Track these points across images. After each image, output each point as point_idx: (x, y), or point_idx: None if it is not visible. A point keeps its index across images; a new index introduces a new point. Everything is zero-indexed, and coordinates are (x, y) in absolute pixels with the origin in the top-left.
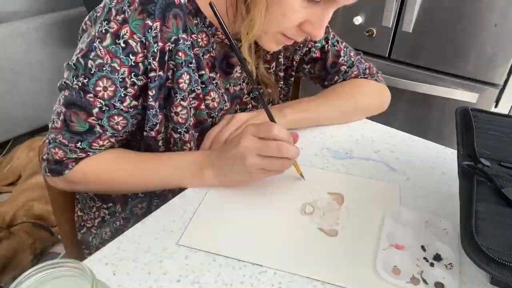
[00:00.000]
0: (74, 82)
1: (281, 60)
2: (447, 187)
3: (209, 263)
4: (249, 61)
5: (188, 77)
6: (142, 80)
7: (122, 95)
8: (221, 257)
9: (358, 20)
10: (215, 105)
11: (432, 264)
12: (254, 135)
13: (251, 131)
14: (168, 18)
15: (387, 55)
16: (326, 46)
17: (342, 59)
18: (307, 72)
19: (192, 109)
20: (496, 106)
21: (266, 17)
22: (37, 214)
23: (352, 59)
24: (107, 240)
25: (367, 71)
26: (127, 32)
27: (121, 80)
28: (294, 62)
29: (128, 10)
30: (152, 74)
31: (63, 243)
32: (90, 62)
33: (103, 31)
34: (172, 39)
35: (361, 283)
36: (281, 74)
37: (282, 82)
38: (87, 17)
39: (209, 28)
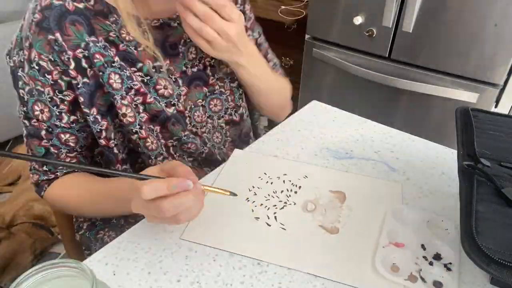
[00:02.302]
0: (19, 114)
1: None
2: (447, 187)
3: (209, 263)
4: (140, 40)
5: (117, 76)
6: (69, 95)
7: (58, 113)
8: (221, 257)
9: (358, 20)
10: (170, 92)
11: (431, 263)
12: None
13: (145, 194)
14: (65, 26)
15: (387, 55)
16: (258, 39)
17: (269, 56)
18: None
19: (139, 105)
20: (496, 106)
21: None
22: (37, 214)
23: (275, 60)
24: (105, 243)
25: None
26: (35, 56)
27: (49, 99)
28: None
29: (29, 35)
30: (74, 82)
31: (63, 243)
32: (21, 91)
33: (21, 60)
34: (82, 45)
35: (359, 279)
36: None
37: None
38: (6, 51)
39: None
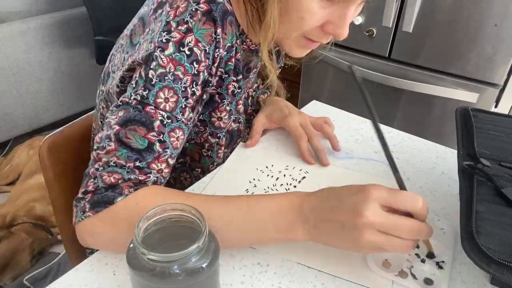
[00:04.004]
0: (132, 97)
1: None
2: (447, 187)
3: None
4: (270, 69)
5: (235, 84)
6: (199, 91)
7: (183, 106)
8: (221, 257)
9: (358, 20)
10: (241, 110)
11: (423, 260)
12: (383, 204)
13: (380, 197)
14: (226, 25)
15: (387, 55)
16: None
17: None
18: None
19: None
20: (496, 106)
21: (281, 22)
22: (38, 215)
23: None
24: None
25: None
26: (192, 40)
27: (183, 89)
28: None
29: (191, 21)
30: (210, 79)
31: (63, 243)
32: (151, 72)
33: (164, 40)
34: (227, 47)
35: (350, 273)
36: None
37: None
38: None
39: (241, 35)
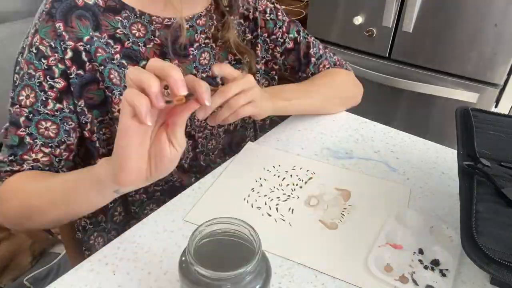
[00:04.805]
0: (10, 102)
1: (258, 52)
2: (447, 187)
3: None
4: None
5: (116, 73)
6: (60, 83)
7: (44, 99)
8: None
9: (358, 20)
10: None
11: (426, 267)
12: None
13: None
14: (71, 19)
15: (387, 55)
16: (298, 38)
17: (312, 50)
18: (281, 64)
19: None
20: (496, 106)
21: None
22: None
23: (321, 52)
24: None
25: (338, 62)
26: (37, 40)
27: (38, 84)
28: (276, 53)
29: (38, 22)
30: (68, 71)
31: (63, 244)
32: (15, 76)
33: (23, 46)
34: (85, 39)
35: (350, 275)
36: (259, 66)
37: (259, 75)
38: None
39: (143, 17)
